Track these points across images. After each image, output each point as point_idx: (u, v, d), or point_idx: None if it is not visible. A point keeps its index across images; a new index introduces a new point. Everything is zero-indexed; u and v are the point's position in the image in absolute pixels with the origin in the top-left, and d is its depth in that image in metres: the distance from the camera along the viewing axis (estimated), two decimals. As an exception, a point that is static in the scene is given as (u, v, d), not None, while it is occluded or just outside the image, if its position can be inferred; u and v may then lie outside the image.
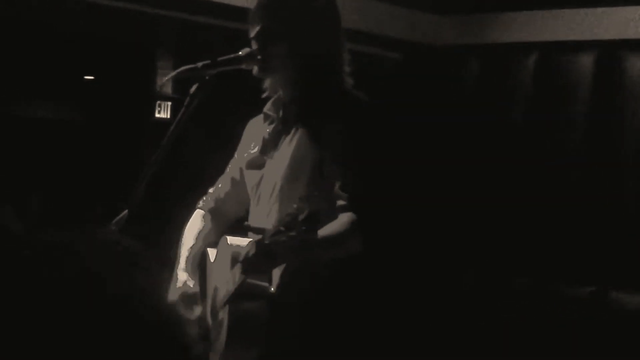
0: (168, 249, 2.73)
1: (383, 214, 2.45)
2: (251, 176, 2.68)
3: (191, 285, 2.60)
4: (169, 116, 4.84)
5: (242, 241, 2.48)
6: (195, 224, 2.78)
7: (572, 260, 4.76)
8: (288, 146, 2.56)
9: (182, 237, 2.75)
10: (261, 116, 2.73)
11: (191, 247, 2.71)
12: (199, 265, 2.72)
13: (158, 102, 4.84)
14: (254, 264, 2.26)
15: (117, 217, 2.40)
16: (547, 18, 5.07)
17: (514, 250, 4.92)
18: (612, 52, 4.87)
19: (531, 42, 5.09)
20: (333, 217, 2.38)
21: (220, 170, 2.83)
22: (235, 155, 2.81)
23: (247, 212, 2.69)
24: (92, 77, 5.70)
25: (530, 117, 5.02)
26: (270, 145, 2.63)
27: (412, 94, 5.27)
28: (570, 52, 4.98)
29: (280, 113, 2.62)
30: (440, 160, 5.19)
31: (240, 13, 3.98)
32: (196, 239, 2.75)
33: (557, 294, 4.67)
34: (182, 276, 2.62)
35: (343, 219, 2.38)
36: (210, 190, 2.84)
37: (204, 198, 2.84)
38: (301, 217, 2.07)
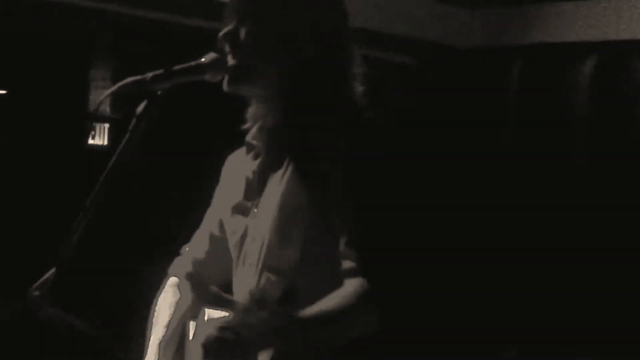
0: (115, 327, 2.72)
1: (400, 276, 2.44)
2: (233, 229, 2.66)
3: None
4: (106, 143, 4.85)
5: (224, 315, 2.48)
6: (169, 295, 2.77)
7: (619, 335, 4.87)
8: (277, 188, 2.54)
9: (152, 313, 2.75)
10: (244, 149, 2.71)
11: (167, 325, 2.72)
12: (178, 346, 2.72)
13: (93, 124, 4.85)
14: (217, 349, 2.26)
15: (40, 280, 2.40)
16: (608, 10, 5.10)
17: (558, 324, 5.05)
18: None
19: (588, 42, 5.13)
20: (338, 284, 2.36)
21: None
22: (213, 203, 2.80)
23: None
24: (4, 92, 5.72)
25: (588, 142, 5.06)
26: (255, 187, 2.61)
27: (430, 111, 5.28)
28: (638, 54, 5.02)
29: (266, 142, 2.60)
30: (472, 204, 5.23)
31: (202, 6, 3.99)
32: (173, 313, 2.73)
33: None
34: None
35: (348, 289, 2.37)
36: (184, 249, 2.83)
37: (176, 261, 2.83)
38: (275, 293, 2.09)
